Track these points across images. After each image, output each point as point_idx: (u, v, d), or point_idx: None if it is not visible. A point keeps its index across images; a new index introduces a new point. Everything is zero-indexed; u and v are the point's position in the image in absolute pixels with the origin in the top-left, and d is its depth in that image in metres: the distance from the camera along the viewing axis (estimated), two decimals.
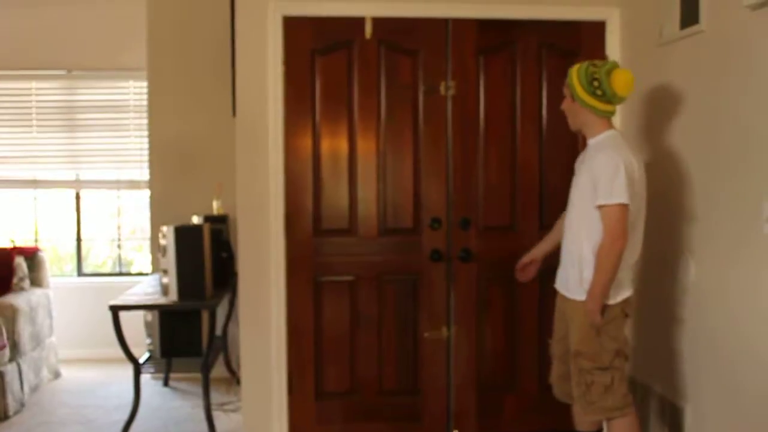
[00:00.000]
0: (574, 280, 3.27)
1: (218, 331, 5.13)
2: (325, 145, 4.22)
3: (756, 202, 2.97)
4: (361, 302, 4.26)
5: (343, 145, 4.22)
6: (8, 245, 5.89)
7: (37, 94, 6.46)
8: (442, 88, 4.20)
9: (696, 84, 3.48)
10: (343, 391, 4.30)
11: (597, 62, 3.24)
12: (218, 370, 5.40)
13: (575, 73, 3.23)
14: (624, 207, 3.06)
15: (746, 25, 3.05)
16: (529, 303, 4.30)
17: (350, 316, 4.26)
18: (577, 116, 3.30)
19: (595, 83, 3.16)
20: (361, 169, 4.22)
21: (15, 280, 5.49)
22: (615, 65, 3.21)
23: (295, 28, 4.14)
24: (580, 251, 3.22)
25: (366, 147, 4.22)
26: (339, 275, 4.25)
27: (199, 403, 4.68)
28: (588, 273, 3.17)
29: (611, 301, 3.18)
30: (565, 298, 3.37)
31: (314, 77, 4.18)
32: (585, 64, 3.23)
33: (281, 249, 4.18)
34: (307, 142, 4.20)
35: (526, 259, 3.75)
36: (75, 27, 6.31)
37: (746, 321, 3.07)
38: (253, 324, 4.20)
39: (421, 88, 4.21)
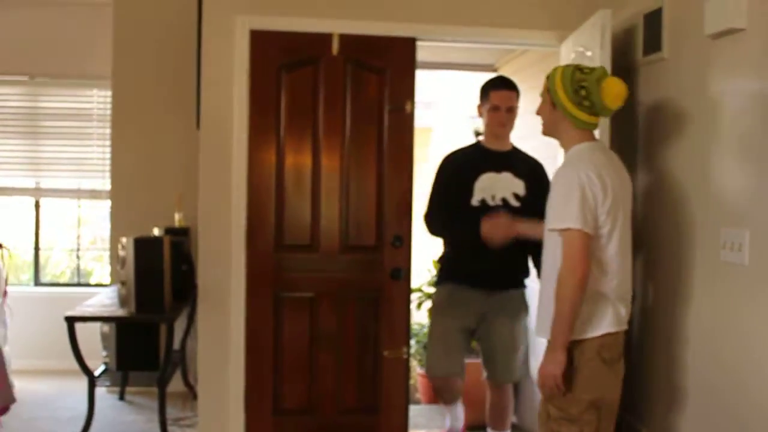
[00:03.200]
0: (543, 319, 2.88)
1: (176, 345, 5.07)
2: (289, 160, 4.21)
3: (714, 231, 3.00)
4: (321, 319, 4.24)
5: (307, 161, 4.22)
6: None
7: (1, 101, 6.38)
8: (408, 107, 4.22)
9: (659, 109, 3.53)
10: (302, 409, 4.28)
11: (584, 68, 2.89)
12: (176, 384, 5.33)
13: (558, 78, 2.87)
14: (579, 232, 2.69)
15: (708, 53, 3.09)
16: None
17: (310, 333, 4.24)
18: (555, 124, 2.93)
19: (582, 92, 2.81)
20: (325, 185, 4.22)
21: None
22: (605, 73, 2.88)
23: (262, 42, 4.13)
24: (548, 287, 2.83)
25: (330, 163, 4.22)
26: (299, 291, 4.23)
27: (155, 417, 4.60)
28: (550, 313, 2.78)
29: (581, 336, 2.76)
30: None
31: (280, 92, 4.18)
32: (570, 67, 2.89)
33: (242, 263, 4.16)
34: (270, 157, 4.19)
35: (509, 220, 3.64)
36: (40, 32, 6.23)
37: (708, 344, 3.08)
38: (212, 338, 4.17)
39: (387, 107, 4.22)
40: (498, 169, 3.86)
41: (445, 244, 4.08)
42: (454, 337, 3.92)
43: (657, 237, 3.45)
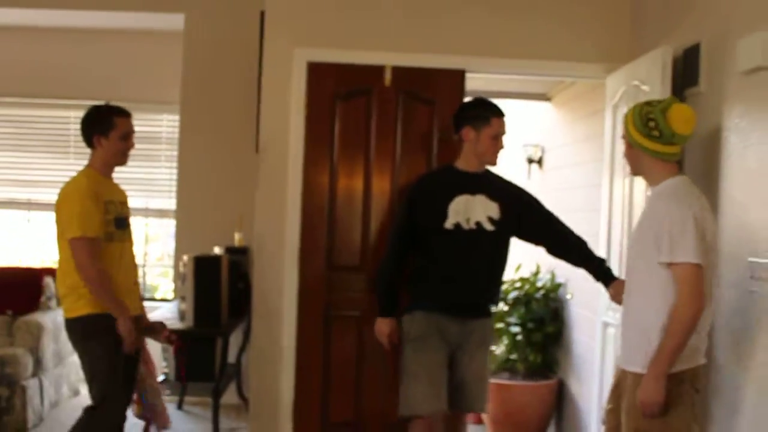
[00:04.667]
0: (637, 350, 2.87)
1: (232, 359, 5.30)
2: (342, 184, 4.42)
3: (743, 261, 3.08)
4: (368, 337, 4.39)
5: (359, 186, 4.42)
6: (38, 265, 6.14)
7: (75, 123, 6.74)
8: (456, 136, 4.37)
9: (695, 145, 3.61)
10: (348, 422, 4.44)
11: (653, 101, 2.96)
12: (231, 396, 5.56)
13: (630, 116, 2.93)
14: (697, 267, 2.71)
15: (740, 88, 3.19)
16: None
17: (357, 350, 4.41)
18: (637, 162, 2.97)
19: (651, 123, 2.85)
20: (375, 209, 4.40)
21: (42, 299, 5.70)
22: (672, 101, 2.91)
23: (318, 73, 4.37)
24: (645, 318, 2.84)
25: (381, 188, 4.40)
26: (348, 310, 4.41)
27: (210, 427, 4.83)
28: (653, 344, 2.77)
29: (678, 368, 2.77)
30: (624, 371, 2.96)
31: (334, 120, 4.41)
32: (639, 104, 2.96)
33: (294, 282, 4.37)
34: (324, 181, 4.41)
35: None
36: (116, 60, 6.60)
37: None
38: (264, 352, 4.39)
39: (436, 135, 4.39)
40: (472, 191, 3.70)
41: (416, 266, 3.80)
42: (436, 371, 3.67)
43: None
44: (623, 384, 2.94)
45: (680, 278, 2.72)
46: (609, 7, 4.44)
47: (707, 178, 3.43)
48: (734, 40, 3.17)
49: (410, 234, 3.76)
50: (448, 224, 3.65)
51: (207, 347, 4.82)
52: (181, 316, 4.63)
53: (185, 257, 4.56)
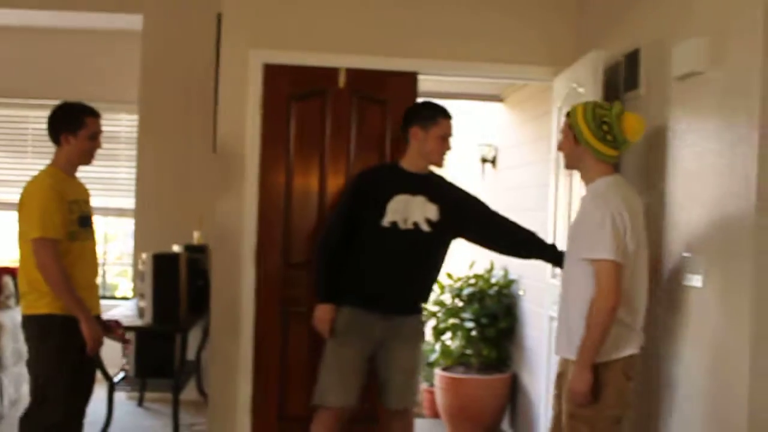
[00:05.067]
0: (563, 339, 3.09)
1: (192, 356, 5.38)
2: (298, 183, 4.52)
3: (677, 256, 3.24)
4: None
5: (314, 184, 4.53)
6: None
7: (34, 122, 6.76)
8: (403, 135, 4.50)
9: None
10: (305, 415, 4.52)
11: (603, 104, 3.12)
12: (192, 392, 5.63)
13: (580, 115, 3.04)
14: (612, 263, 2.86)
15: (674, 92, 3.36)
16: None
17: (311, 344, 4.49)
18: (578, 158, 3.11)
19: (605, 127, 2.99)
20: (330, 206, 4.50)
21: (1, 298, 5.72)
22: (623, 109, 3.06)
23: (274, 74, 4.47)
24: (567, 311, 3.06)
25: (335, 186, 4.51)
26: (304, 306, 4.48)
27: (171, 423, 4.90)
28: (576, 336, 2.94)
29: (606, 358, 2.93)
30: (567, 359, 3.10)
31: (289, 121, 4.51)
32: (590, 104, 3.10)
33: (251, 279, 4.47)
34: (280, 180, 4.51)
35: None
36: (74, 58, 6.62)
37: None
38: (222, 348, 4.47)
39: (389, 136, 4.51)
40: (413, 191, 3.70)
41: (348, 259, 3.77)
42: (351, 366, 3.73)
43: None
44: (566, 371, 3.07)
45: (597, 274, 2.87)
46: (556, 11, 4.60)
47: (652, 177, 3.55)
48: (670, 46, 3.33)
49: (349, 223, 3.75)
50: (385, 222, 3.66)
51: (166, 344, 4.88)
52: (140, 313, 4.69)
53: (144, 255, 4.63)
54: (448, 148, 3.80)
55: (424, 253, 3.76)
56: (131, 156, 6.56)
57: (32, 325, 3.52)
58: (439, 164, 3.83)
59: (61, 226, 3.44)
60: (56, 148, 3.63)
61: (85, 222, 3.64)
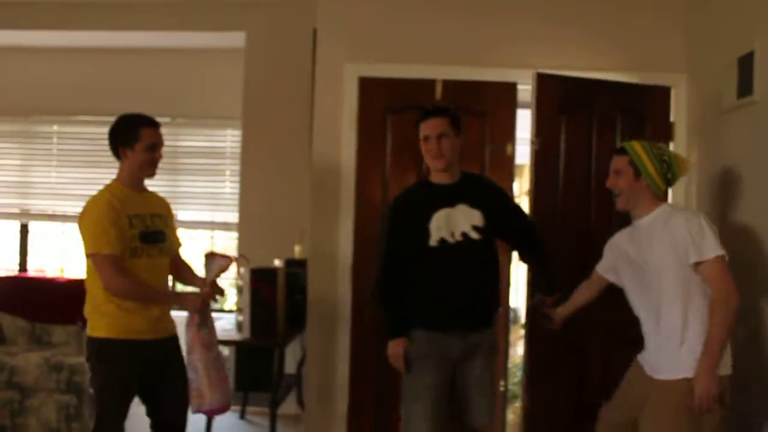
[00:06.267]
0: (669, 357, 3.05)
1: (291, 369, 5.39)
2: (394, 196, 4.44)
3: None
4: None
5: None
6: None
7: None
8: (508, 148, 4.39)
9: (750, 154, 3.54)
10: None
11: (657, 144, 3.26)
12: (292, 406, 5.64)
13: (642, 151, 3.18)
14: (723, 259, 2.96)
15: None
16: None
17: None
18: (637, 194, 3.20)
19: (665, 165, 3.15)
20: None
21: None
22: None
23: (369, 88, 4.45)
24: (679, 323, 3.02)
25: None
26: None
27: None
28: (694, 345, 2.97)
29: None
30: (651, 380, 3.12)
31: (385, 134, 4.46)
32: (646, 143, 3.22)
33: (348, 294, 4.44)
34: (376, 193, 4.47)
35: (550, 313, 3.68)
36: (180, 77, 6.78)
37: None
38: (319, 363, 4.46)
39: (488, 147, 4.40)
40: (452, 203, 3.52)
41: (410, 286, 3.58)
42: (436, 392, 3.52)
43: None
44: (649, 394, 3.06)
45: (711, 274, 2.96)
46: (666, 16, 4.42)
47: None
48: None
49: (397, 256, 3.57)
50: (432, 242, 3.49)
51: (265, 358, 4.91)
52: (239, 327, 4.73)
53: (242, 270, 4.66)
54: (430, 147, 3.51)
55: (482, 262, 3.55)
56: (236, 171, 6.66)
57: (92, 346, 3.44)
58: (435, 168, 3.57)
59: (116, 241, 3.32)
60: (119, 163, 3.56)
61: (149, 238, 3.49)
